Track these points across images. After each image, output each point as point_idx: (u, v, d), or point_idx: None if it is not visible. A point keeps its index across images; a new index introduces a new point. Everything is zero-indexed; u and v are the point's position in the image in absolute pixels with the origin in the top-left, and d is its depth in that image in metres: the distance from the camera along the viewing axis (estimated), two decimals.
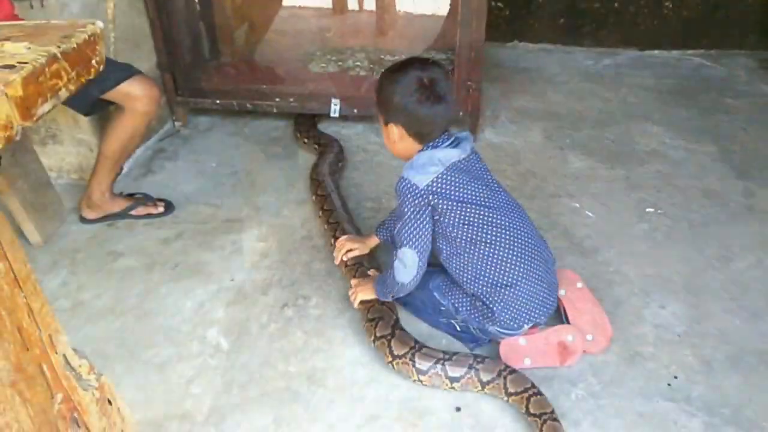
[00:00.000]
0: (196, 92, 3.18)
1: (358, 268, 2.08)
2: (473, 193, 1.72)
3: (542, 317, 1.80)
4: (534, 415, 1.61)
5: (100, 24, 0.93)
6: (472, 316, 1.82)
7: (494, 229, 1.73)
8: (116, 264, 2.29)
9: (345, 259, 2.11)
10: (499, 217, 1.74)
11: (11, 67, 0.75)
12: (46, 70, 0.78)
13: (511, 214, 1.78)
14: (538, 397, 1.65)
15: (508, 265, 1.73)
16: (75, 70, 0.84)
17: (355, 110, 3.05)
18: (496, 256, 1.73)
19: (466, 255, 1.75)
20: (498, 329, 1.77)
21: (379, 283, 1.89)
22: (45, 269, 2.24)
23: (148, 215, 2.52)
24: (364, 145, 3.05)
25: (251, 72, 3.46)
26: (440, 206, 1.70)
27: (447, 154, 1.71)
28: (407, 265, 1.74)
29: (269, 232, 2.45)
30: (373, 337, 1.84)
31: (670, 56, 3.92)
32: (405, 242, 1.74)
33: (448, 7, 3.48)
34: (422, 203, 1.70)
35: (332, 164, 2.73)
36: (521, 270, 1.73)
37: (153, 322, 2.02)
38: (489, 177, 1.83)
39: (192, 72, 3.23)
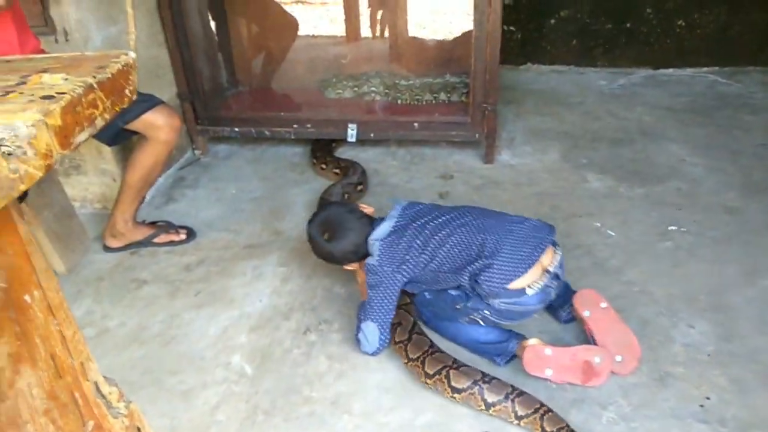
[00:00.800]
0: (215, 121, 3.23)
1: None
2: (409, 237, 1.94)
3: (525, 266, 1.82)
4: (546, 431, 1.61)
5: (132, 54, 0.96)
6: (478, 297, 1.88)
7: (437, 235, 1.92)
8: (140, 291, 2.30)
9: None
10: (438, 226, 1.94)
11: (50, 97, 0.77)
12: (83, 99, 0.81)
13: (450, 215, 1.97)
14: (551, 414, 1.65)
15: (464, 247, 1.87)
16: (110, 99, 0.87)
17: (372, 134, 3.08)
18: (451, 252, 1.88)
19: (438, 270, 1.91)
20: (501, 300, 1.83)
21: (360, 311, 2.00)
22: (70, 298, 2.26)
23: (171, 243, 2.55)
24: (381, 168, 3.07)
25: (268, 99, 3.52)
26: (393, 265, 1.92)
27: (380, 231, 1.98)
28: (369, 339, 1.90)
29: (289, 257, 2.46)
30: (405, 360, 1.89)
31: (683, 74, 3.92)
32: (368, 315, 1.91)
33: (462, 31, 3.52)
34: (382, 279, 1.91)
35: (347, 186, 2.75)
36: (475, 245, 1.86)
37: (177, 348, 2.03)
38: (427, 209, 2.04)
39: (211, 101, 3.29)
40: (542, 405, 1.68)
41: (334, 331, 2.07)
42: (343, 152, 3.19)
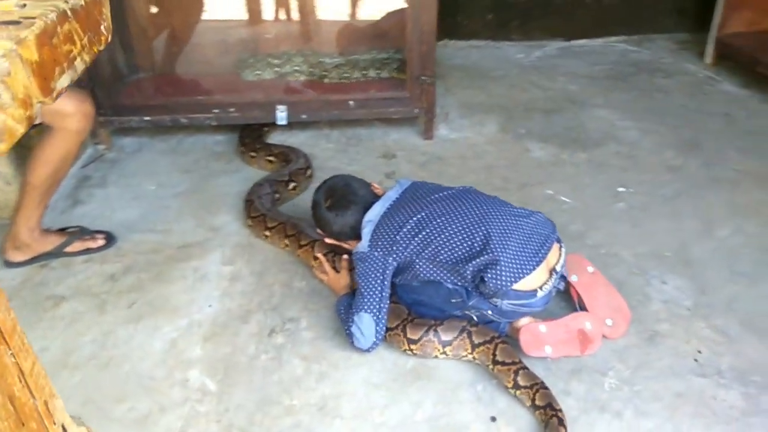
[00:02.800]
0: (120, 110, 2.84)
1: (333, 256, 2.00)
2: (401, 217, 1.78)
3: (532, 265, 1.67)
4: (523, 387, 1.58)
5: None
6: (481, 297, 1.70)
7: (432, 224, 1.74)
8: (59, 310, 1.94)
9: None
10: (431, 213, 1.77)
11: (15, 23, 0.52)
12: (59, 29, 0.56)
13: (447, 205, 1.79)
14: (526, 370, 1.61)
15: (465, 238, 1.70)
16: (87, 35, 0.62)
17: (304, 116, 2.85)
18: (450, 240, 1.71)
19: (433, 259, 1.71)
20: (508, 301, 1.67)
21: (343, 306, 1.84)
22: None
23: (87, 250, 2.19)
24: (317, 152, 2.85)
25: (180, 84, 3.17)
26: (384, 248, 1.75)
27: (373, 211, 1.83)
28: (365, 333, 1.70)
29: (234, 254, 2.19)
30: None
31: (595, 44, 4.02)
32: (361, 307, 1.72)
33: (390, 4, 3.35)
34: (373, 266, 1.75)
35: (296, 173, 2.51)
36: (479, 237, 1.68)
37: (119, 371, 1.72)
38: (417, 195, 1.86)
39: (113, 88, 2.89)
40: (498, 337, 1.69)
41: (303, 330, 1.85)
42: (273, 138, 2.93)
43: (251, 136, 2.83)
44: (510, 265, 1.64)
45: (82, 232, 2.22)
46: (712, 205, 2.36)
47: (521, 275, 1.65)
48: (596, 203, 2.41)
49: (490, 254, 1.64)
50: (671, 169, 2.61)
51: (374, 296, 1.71)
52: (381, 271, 1.73)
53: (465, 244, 1.69)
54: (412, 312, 1.78)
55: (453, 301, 1.74)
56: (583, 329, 1.72)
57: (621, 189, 2.49)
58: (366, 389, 1.64)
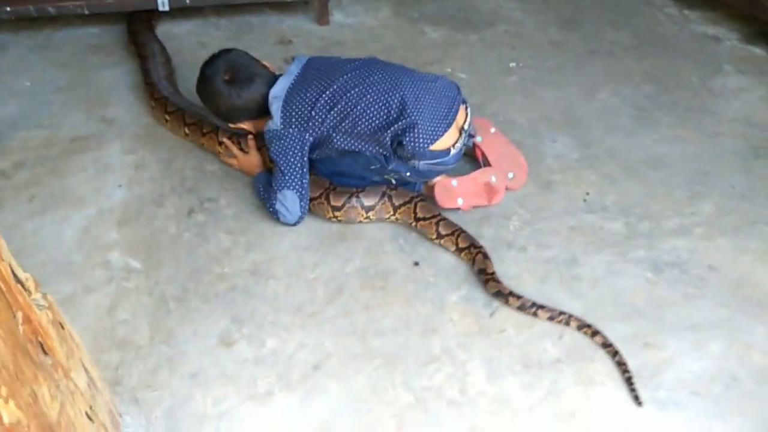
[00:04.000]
0: None
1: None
2: (314, 91, 1.76)
3: (446, 125, 1.76)
4: (445, 236, 1.73)
5: None
6: (400, 160, 1.77)
7: (348, 96, 1.75)
8: None
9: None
10: (345, 84, 1.77)
11: None
12: None
13: (359, 75, 1.81)
14: (445, 221, 1.75)
15: (382, 106, 1.74)
16: None
17: (188, 0, 2.68)
18: (367, 110, 1.74)
19: (352, 130, 1.75)
20: (424, 162, 1.75)
21: (262, 184, 1.84)
22: None
23: None
24: (207, 41, 2.71)
25: None
26: (299, 124, 1.74)
27: (278, 88, 1.77)
28: (289, 209, 1.74)
29: (135, 143, 2.10)
30: None
31: None
32: (283, 184, 1.73)
33: None
34: (289, 143, 1.74)
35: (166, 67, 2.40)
36: (395, 103, 1.73)
37: (33, 260, 1.64)
38: (324, 68, 1.85)
39: None
40: (417, 197, 1.80)
41: (224, 207, 1.85)
42: (160, 30, 2.74)
43: (140, 30, 2.61)
44: (426, 127, 1.72)
45: None
46: (591, 74, 2.57)
47: (436, 136, 1.74)
48: (491, 78, 2.54)
49: (407, 119, 1.70)
50: (554, 45, 2.79)
51: (295, 173, 1.73)
52: (299, 147, 1.74)
53: (382, 112, 1.73)
54: (333, 182, 1.83)
55: (372, 167, 1.81)
56: (488, 182, 1.87)
57: (512, 64, 2.64)
58: (296, 252, 1.71)
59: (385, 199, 1.80)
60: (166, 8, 2.65)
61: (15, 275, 0.88)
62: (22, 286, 0.90)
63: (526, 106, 2.36)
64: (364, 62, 1.88)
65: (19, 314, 0.86)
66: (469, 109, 1.88)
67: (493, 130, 2.00)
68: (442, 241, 1.73)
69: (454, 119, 1.79)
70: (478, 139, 1.96)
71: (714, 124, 2.30)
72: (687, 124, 2.30)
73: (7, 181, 1.91)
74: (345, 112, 1.74)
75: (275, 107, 1.77)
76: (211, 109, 1.84)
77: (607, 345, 1.47)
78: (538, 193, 1.95)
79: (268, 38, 2.77)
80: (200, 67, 1.83)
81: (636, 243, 1.77)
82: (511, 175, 1.93)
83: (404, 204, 1.79)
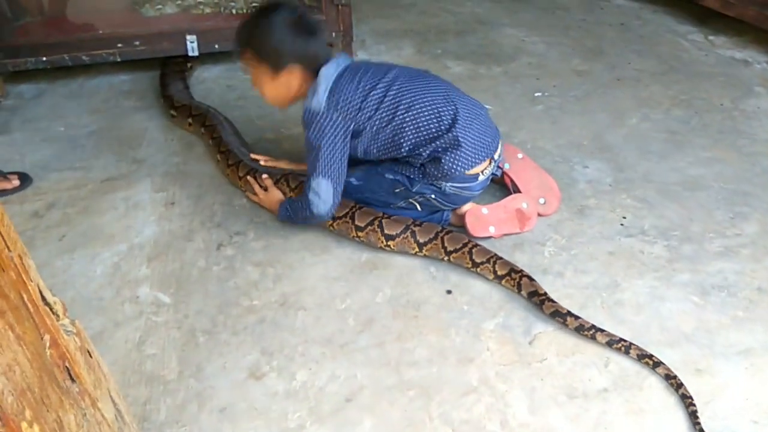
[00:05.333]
0: (12, 52, 2.61)
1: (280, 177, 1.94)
2: (366, 82, 1.71)
3: (486, 155, 1.74)
4: (481, 264, 1.67)
5: None
6: (426, 181, 1.73)
7: (402, 96, 1.69)
8: None
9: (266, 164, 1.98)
10: (401, 84, 1.71)
11: None
12: None
13: (413, 78, 1.75)
14: (478, 247, 1.69)
15: (433, 117, 1.68)
16: None
17: (216, 45, 2.75)
18: (419, 118, 1.69)
19: (394, 134, 1.70)
20: (452, 184, 1.71)
21: (286, 207, 1.82)
22: None
23: (2, 192, 2.03)
24: (236, 83, 2.77)
25: (73, 23, 2.94)
26: (346, 112, 1.68)
27: (330, 69, 1.71)
28: (322, 197, 1.69)
29: (165, 182, 2.12)
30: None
31: None
32: (318, 172, 1.68)
33: None
34: (331, 128, 1.67)
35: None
36: (447, 117, 1.69)
37: (62, 297, 1.61)
38: (375, 65, 1.80)
39: (1, 30, 2.65)
40: (442, 231, 1.73)
41: (252, 240, 1.84)
42: (195, 74, 2.81)
43: (173, 83, 2.66)
44: (469, 150, 1.69)
45: None
46: (619, 100, 2.54)
47: (475, 162, 1.71)
48: (517, 107, 2.53)
49: (454, 135, 1.66)
50: (579, 74, 2.77)
51: (333, 161, 1.66)
52: (341, 135, 1.67)
53: (432, 123, 1.68)
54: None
55: (396, 191, 1.78)
56: (520, 208, 1.83)
57: (537, 94, 2.62)
58: (325, 283, 1.67)
59: (408, 234, 1.73)
60: (196, 53, 2.73)
61: (43, 297, 0.86)
62: (50, 309, 0.88)
63: (554, 133, 2.33)
64: (419, 70, 1.84)
65: (47, 337, 0.83)
66: (501, 140, 1.85)
67: (520, 155, 1.97)
68: (479, 269, 1.67)
69: (494, 151, 1.78)
70: (506, 167, 1.93)
71: (749, 144, 2.24)
72: (721, 145, 2.24)
73: (39, 220, 1.93)
74: (394, 112, 1.68)
75: (322, 87, 1.68)
76: (254, 45, 1.71)
77: (671, 377, 1.37)
78: (572, 218, 1.89)
79: None
80: (258, 7, 1.79)
81: (679, 266, 1.70)
82: (542, 200, 1.89)
83: (430, 241, 1.72)
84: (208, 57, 2.88)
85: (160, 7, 2.99)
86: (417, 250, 1.73)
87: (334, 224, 1.78)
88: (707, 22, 3.21)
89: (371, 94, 1.68)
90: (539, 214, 1.88)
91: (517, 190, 1.91)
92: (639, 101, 2.53)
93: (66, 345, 0.89)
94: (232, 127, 2.27)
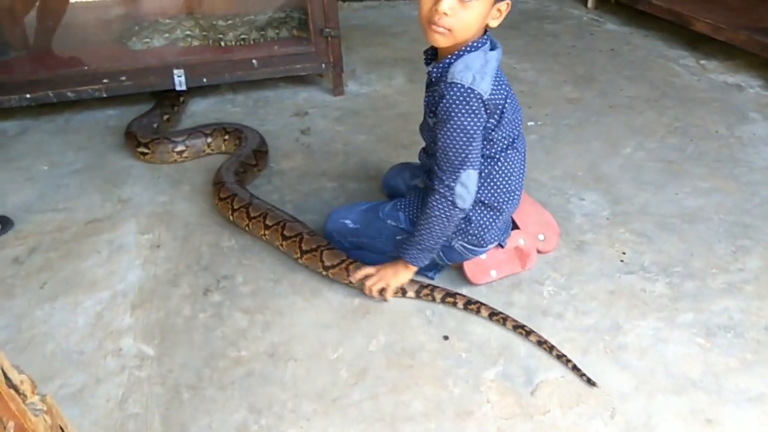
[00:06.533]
0: None
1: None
2: (504, 86, 1.54)
3: (505, 238, 1.73)
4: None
5: None
6: None
7: (502, 143, 1.57)
8: None
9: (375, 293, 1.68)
10: (508, 130, 1.56)
11: None
12: None
13: (518, 128, 1.62)
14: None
15: (503, 183, 1.60)
16: None
17: (205, 79, 2.71)
18: (497, 174, 1.58)
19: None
20: (464, 244, 1.65)
21: (413, 249, 1.57)
22: None
23: None
24: (224, 117, 2.72)
25: (58, 59, 2.90)
26: (489, 108, 1.47)
27: (494, 57, 1.50)
28: (470, 188, 1.48)
29: (150, 222, 2.05)
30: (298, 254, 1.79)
31: None
32: (467, 163, 1.45)
33: None
34: (478, 115, 1.43)
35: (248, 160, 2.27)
36: (508, 189, 1.61)
37: (42, 350, 1.56)
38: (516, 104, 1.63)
39: None
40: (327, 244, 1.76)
41: (240, 285, 1.77)
42: (190, 106, 2.77)
43: (166, 109, 2.63)
44: (506, 218, 1.69)
45: None
46: (613, 128, 2.51)
47: (507, 233, 1.72)
48: None
49: (495, 210, 1.62)
50: (571, 101, 2.75)
51: (477, 149, 1.47)
52: (481, 126, 1.46)
53: (515, 177, 1.62)
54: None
55: (398, 238, 1.70)
56: (519, 246, 1.77)
57: (530, 123, 2.59)
58: (316, 330, 1.60)
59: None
60: (184, 88, 2.69)
61: (8, 379, 0.79)
62: (16, 390, 0.81)
63: (549, 164, 2.29)
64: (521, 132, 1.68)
65: (11, 424, 0.77)
66: None
67: None
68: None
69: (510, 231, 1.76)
70: None
71: (747, 172, 2.20)
72: (719, 174, 2.20)
73: (19, 267, 1.86)
74: (494, 170, 1.57)
75: (489, 76, 1.45)
76: None
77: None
78: (571, 254, 1.84)
79: (284, 111, 2.77)
80: None
81: (682, 305, 1.64)
82: (541, 237, 1.84)
83: (310, 251, 1.75)
84: (197, 90, 2.84)
85: (147, 40, 2.95)
86: (298, 256, 1.77)
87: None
88: (698, 47, 3.20)
89: (507, 103, 1.52)
90: (538, 251, 1.83)
91: (514, 227, 1.86)
92: (633, 129, 2.50)
93: (34, 429, 0.83)
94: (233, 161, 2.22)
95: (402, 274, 1.63)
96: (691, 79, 2.90)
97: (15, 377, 0.82)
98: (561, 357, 1.48)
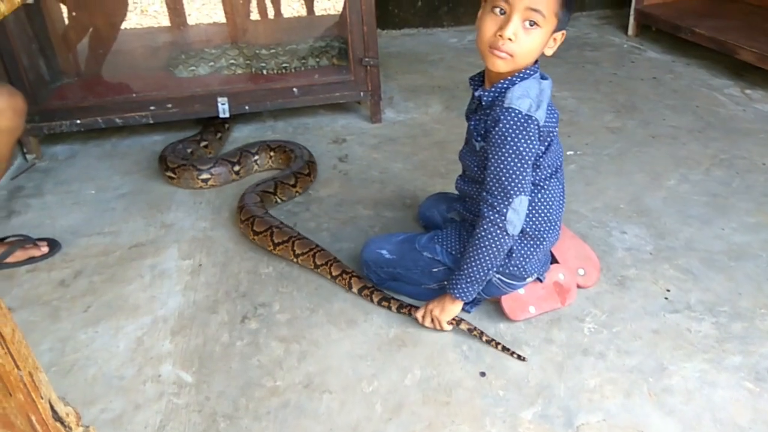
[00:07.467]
0: (48, 115, 2.67)
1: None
2: (554, 132, 1.56)
3: (544, 272, 1.71)
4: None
5: None
6: None
7: (547, 171, 1.57)
8: None
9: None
10: (553, 159, 1.57)
11: None
12: None
13: (560, 158, 1.63)
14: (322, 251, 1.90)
15: (544, 212, 1.59)
16: None
17: (247, 107, 2.77)
18: (539, 202, 1.58)
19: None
20: (502, 277, 1.63)
21: (462, 282, 1.56)
22: None
23: (30, 259, 2.03)
24: None
25: (108, 86, 3.00)
26: (542, 136, 1.48)
27: (548, 86, 1.52)
28: (521, 215, 1.49)
29: (192, 248, 2.09)
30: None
31: None
32: (519, 189, 1.45)
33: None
34: (532, 142, 1.43)
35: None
36: (549, 219, 1.60)
37: (84, 375, 1.60)
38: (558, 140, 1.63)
39: (38, 94, 2.71)
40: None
41: (277, 313, 1.78)
42: (233, 133, 2.83)
43: (207, 135, 2.71)
44: (547, 250, 1.67)
45: (25, 241, 2.06)
46: (656, 159, 2.46)
47: (535, 275, 1.67)
48: None
49: (538, 241, 1.61)
50: (612, 131, 2.71)
51: (528, 176, 1.47)
52: (534, 154, 1.46)
53: (554, 209, 1.62)
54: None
55: (434, 270, 1.70)
56: (558, 281, 1.74)
57: (570, 152, 2.56)
58: (351, 362, 1.60)
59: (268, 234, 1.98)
60: (227, 115, 2.75)
61: (55, 412, 0.82)
62: (62, 423, 0.83)
63: (589, 195, 2.26)
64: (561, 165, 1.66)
65: None
66: None
67: None
68: (319, 270, 1.88)
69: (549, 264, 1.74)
70: None
71: None
72: (766, 209, 2.13)
73: (65, 290, 1.92)
74: (543, 178, 1.57)
75: (545, 104, 1.47)
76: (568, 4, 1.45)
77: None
78: (612, 290, 1.80)
79: (323, 138, 2.81)
80: None
81: (730, 347, 1.58)
82: (581, 272, 1.80)
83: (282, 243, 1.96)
84: (239, 117, 2.91)
85: (193, 68, 3.04)
86: (272, 248, 1.97)
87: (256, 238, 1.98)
88: (743, 76, 3.13)
89: (554, 136, 1.54)
90: (579, 286, 1.79)
91: (553, 261, 1.83)
92: (677, 160, 2.44)
93: None
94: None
95: (449, 309, 1.62)
96: (737, 109, 2.83)
97: (61, 410, 0.84)
98: (490, 342, 1.59)
